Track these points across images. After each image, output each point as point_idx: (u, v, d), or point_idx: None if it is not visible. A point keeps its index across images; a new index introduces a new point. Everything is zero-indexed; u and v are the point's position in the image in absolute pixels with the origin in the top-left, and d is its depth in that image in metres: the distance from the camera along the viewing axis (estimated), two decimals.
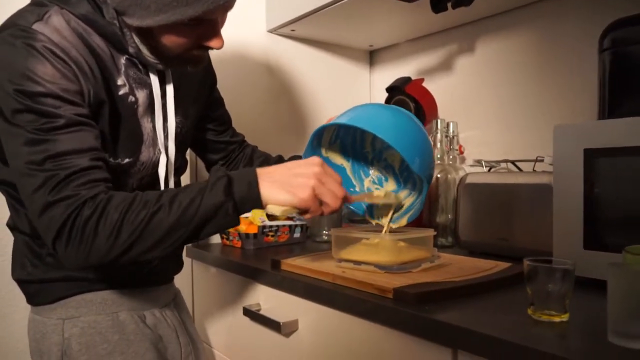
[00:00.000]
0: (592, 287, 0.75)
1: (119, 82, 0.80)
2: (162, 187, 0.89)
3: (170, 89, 0.88)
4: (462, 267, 0.88)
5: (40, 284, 0.83)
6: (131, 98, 0.81)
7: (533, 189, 1.01)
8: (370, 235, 0.88)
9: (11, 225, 0.88)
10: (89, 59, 0.75)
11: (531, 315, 0.63)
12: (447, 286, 0.74)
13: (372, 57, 1.76)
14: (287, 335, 0.95)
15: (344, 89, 1.70)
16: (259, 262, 1.03)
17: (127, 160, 0.82)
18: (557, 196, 0.84)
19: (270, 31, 1.50)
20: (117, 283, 0.86)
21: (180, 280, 1.33)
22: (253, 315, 1.00)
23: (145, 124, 0.84)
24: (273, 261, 0.98)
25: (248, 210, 0.74)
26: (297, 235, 1.34)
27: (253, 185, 0.72)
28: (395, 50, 1.67)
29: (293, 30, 1.49)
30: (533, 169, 1.11)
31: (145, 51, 0.80)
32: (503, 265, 0.90)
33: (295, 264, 0.93)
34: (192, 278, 1.34)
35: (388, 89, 1.45)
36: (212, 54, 1.40)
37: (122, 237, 0.67)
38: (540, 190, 0.99)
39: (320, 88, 1.65)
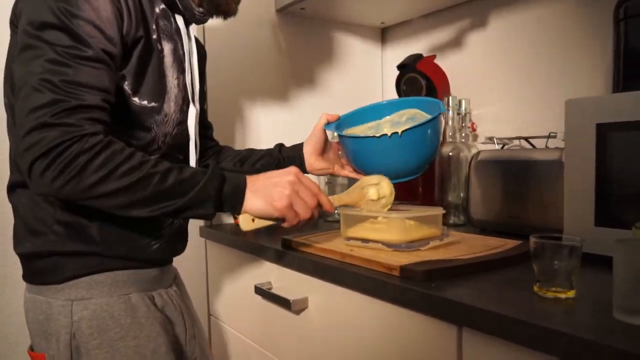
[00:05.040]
0: (603, 264, 0.73)
1: (152, 26, 0.82)
2: (192, 140, 0.90)
3: (194, 48, 0.90)
4: (472, 245, 0.87)
5: (49, 259, 0.79)
6: (159, 46, 0.82)
7: (545, 165, 0.99)
8: (378, 214, 0.88)
9: (17, 183, 0.82)
10: None
11: (537, 292, 0.62)
12: (454, 264, 0.74)
13: (384, 34, 1.74)
14: (297, 312, 0.96)
15: (356, 68, 1.68)
16: (270, 241, 1.04)
17: (152, 104, 0.82)
18: (569, 172, 0.83)
19: (280, 10, 1.49)
20: (127, 261, 0.84)
21: (194, 259, 1.35)
22: (264, 293, 1.01)
23: (170, 77, 0.85)
24: (284, 240, 0.99)
25: (224, 212, 0.77)
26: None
27: (240, 192, 0.76)
28: (407, 26, 1.64)
29: (302, 9, 1.48)
30: (546, 146, 1.09)
31: None
32: (513, 243, 0.90)
33: (305, 242, 0.94)
34: (205, 257, 1.36)
35: (399, 67, 1.43)
36: (220, 33, 1.41)
37: (107, 183, 0.68)
38: (552, 167, 0.97)
39: (331, 67, 1.63)
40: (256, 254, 1.06)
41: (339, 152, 1.07)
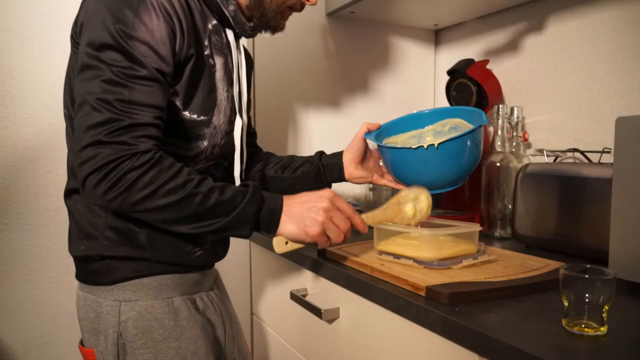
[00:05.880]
0: None
1: (205, 42, 0.85)
2: (238, 150, 0.93)
3: (243, 60, 0.94)
4: (507, 265, 0.84)
5: (101, 262, 0.84)
6: (211, 61, 0.86)
7: (596, 183, 0.94)
8: (411, 229, 0.86)
9: (73, 189, 0.86)
10: (187, 16, 0.80)
11: (565, 326, 0.60)
12: (482, 287, 0.72)
13: (437, 36, 1.70)
14: (329, 322, 0.97)
15: (408, 71, 1.66)
16: (307, 248, 1.05)
17: (202, 117, 0.85)
18: (617, 193, 0.78)
19: (330, 13, 1.49)
20: (172, 266, 0.88)
21: (240, 259, 1.39)
22: (299, 300, 1.03)
23: (221, 90, 0.88)
24: (319, 250, 1.00)
25: (260, 232, 0.81)
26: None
27: (276, 216, 0.80)
28: (461, 29, 1.60)
29: (352, 13, 1.47)
30: (599, 161, 1.03)
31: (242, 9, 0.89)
32: (554, 264, 0.86)
33: (340, 253, 0.95)
34: (250, 257, 1.40)
35: (449, 72, 1.40)
36: (270, 38, 1.43)
37: (152, 200, 0.72)
38: (605, 185, 0.92)
39: (382, 71, 1.62)
40: (294, 260, 1.08)
41: (379, 161, 1.06)
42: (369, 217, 0.86)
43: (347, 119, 1.56)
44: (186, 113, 0.83)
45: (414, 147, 0.87)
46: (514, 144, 1.28)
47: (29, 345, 1.55)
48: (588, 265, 0.61)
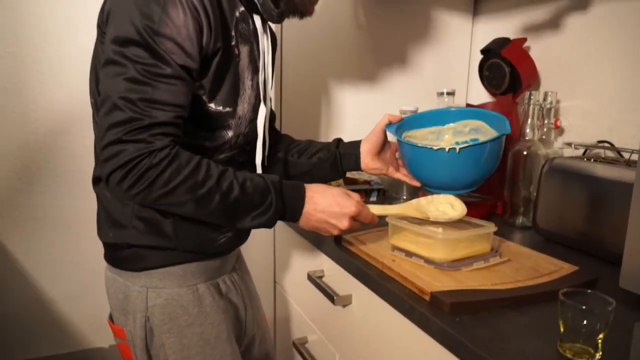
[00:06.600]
0: None
1: (232, 33, 0.84)
2: (260, 138, 0.94)
3: (269, 46, 0.93)
4: (518, 268, 0.85)
5: (129, 249, 0.86)
6: (236, 51, 0.85)
7: (620, 185, 0.92)
8: (424, 230, 0.87)
9: (99, 177, 0.88)
10: (215, 8, 0.79)
11: (559, 348, 0.61)
12: (486, 296, 0.73)
13: (476, 5, 1.62)
14: (343, 306, 1.01)
15: (443, 43, 1.61)
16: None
17: (227, 109, 0.86)
18: (637, 198, 0.76)
19: None
20: (197, 254, 0.90)
21: (264, 239, 1.44)
22: (314, 282, 1.07)
23: (245, 79, 0.87)
24: (336, 236, 1.02)
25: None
26: (373, 199, 1.36)
27: (294, 220, 0.85)
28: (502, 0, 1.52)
29: None
30: (629, 158, 1.00)
31: None
32: (567, 268, 0.86)
33: (354, 242, 0.97)
34: (274, 236, 1.44)
35: (483, 51, 1.35)
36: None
37: (172, 197, 0.75)
38: (628, 189, 0.89)
39: (416, 42, 1.57)
40: (312, 242, 1.11)
41: (396, 153, 1.06)
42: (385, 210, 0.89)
43: (374, 92, 1.54)
44: (211, 105, 0.83)
45: (435, 148, 0.86)
46: (545, 130, 1.24)
47: (70, 298, 1.67)
48: (589, 291, 0.62)
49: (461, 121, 1.00)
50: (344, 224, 0.84)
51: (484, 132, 0.96)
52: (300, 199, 0.84)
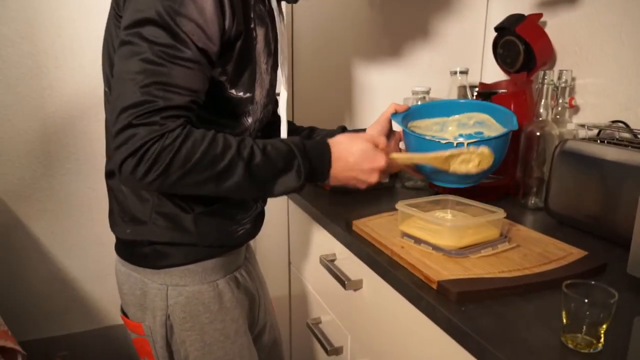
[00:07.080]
0: None
1: (252, 15, 0.80)
2: (284, 121, 0.92)
3: (284, 27, 0.90)
4: (527, 255, 0.86)
5: (149, 247, 0.84)
6: (254, 33, 0.81)
7: (634, 168, 0.91)
8: (433, 217, 0.88)
9: (113, 170, 0.85)
10: None
11: (562, 338, 0.62)
12: (493, 285, 0.74)
13: None
14: (354, 290, 1.03)
15: (456, 20, 1.58)
16: (340, 214, 1.09)
17: (247, 94, 0.83)
18: None
19: None
20: (216, 249, 0.89)
21: (279, 211, 1.46)
22: (326, 265, 1.09)
23: (262, 63, 0.85)
24: (346, 221, 1.04)
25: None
26: (386, 179, 1.36)
27: (322, 179, 0.83)
28: None
29: None
30: None
31: None
32: (576, 254, 0.86)
33: (365, 228, 0.98)
34: (287, 211, 1.46)
35: (497, 29, 1.33)
36: None
37: (192, 176, 0.71)
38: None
39: (427, 19, 1.55)
40: (324, 226, 1.13)
41: (400, 143, 1.05)
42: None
43: (386, 72, 1.53)
44: (232, 91, 0.81)
45: (442, 142, 0.86)
46: (559, 109, 1.23)
47: (92, 277, 1.73)
48: (592, 282, 0.62)
49: (466, 113, 0.99)
50: (374, 178, 0.84)
51: (489, 125, 0.96)
52: (326, 158, 0.82)
